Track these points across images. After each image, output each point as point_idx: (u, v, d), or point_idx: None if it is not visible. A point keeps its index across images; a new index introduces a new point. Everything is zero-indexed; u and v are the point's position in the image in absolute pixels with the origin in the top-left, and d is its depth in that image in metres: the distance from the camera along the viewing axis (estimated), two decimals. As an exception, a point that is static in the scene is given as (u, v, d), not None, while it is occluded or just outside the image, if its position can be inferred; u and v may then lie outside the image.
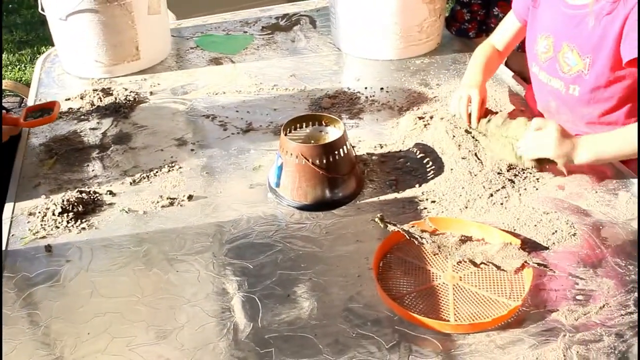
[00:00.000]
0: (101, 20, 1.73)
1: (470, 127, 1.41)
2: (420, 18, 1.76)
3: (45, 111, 1.54)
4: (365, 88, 1.67)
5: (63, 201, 1.28)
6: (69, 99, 1.70)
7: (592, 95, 1.40)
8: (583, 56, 1.38)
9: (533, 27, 1.50)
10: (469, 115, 1.42)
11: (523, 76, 2.01)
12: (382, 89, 1.66)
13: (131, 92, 1.72)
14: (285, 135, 1.28)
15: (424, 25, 1.77)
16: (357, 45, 1.81)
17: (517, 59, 2.23)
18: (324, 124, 1.32)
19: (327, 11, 1.91)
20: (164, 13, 1.88)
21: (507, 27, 1.60)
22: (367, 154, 1.40)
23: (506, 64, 2.27)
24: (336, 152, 1.23)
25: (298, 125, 1.32)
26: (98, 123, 1.59)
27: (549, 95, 1.48)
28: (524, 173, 1.33)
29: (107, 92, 1.73)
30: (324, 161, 1.22)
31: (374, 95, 1.63)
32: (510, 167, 1.33)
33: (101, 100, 1.69)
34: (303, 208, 1.26)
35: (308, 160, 1.22)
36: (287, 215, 1.25)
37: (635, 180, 1.32)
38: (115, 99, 1.69)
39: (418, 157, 1.38)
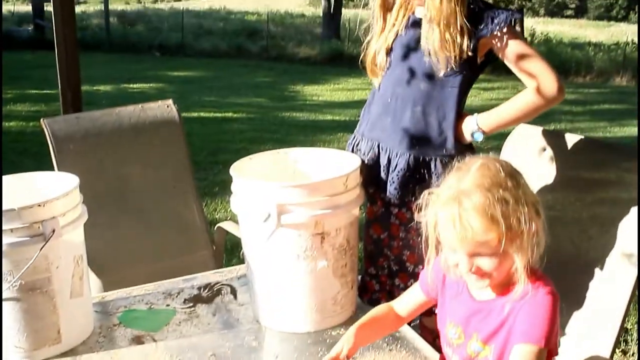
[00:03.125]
0: (22, 307, 1.76)
1: None
2: (334, 291, 1.86)
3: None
4: (284, 366, 1.71)
5: None
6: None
7: None
8: (489, 344, 1.48)
9: (443, 310, 1.60)
10: None
11: (436, 334, 2.10)
12: (300, 366, 1.71)
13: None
14: None
15: (338, 298, 1.87)
16: (274, 319, 1.89)
17: (431, 317, 2.33)
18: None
19: (247, 281, 1.99)
20: (87, 294, 1.93)
21: (412, 296, 1.69)
22: None
23: (420, 321, 2.38)
24: None
25: None
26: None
27: None
28: None
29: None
30: None
31: (292, 374, 1.68)
32: None
33: (19, 390, 1.67)
34: None
35: None
36: None
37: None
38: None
39: None
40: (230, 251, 3.63)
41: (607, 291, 1.98)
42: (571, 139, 2.05)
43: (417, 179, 1.96)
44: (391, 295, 2.13)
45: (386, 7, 2.03)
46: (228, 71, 15.22)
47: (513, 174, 1.41)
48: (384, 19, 2.03)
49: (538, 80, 1.87)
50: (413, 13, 2.00)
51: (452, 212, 1.36)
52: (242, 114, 9.79)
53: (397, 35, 2.00)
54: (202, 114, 9.16)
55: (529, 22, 27.53)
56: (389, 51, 2.00)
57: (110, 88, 11.28)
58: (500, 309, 1.46)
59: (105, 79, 11.74)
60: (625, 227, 2.01)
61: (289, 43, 19.47)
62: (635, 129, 9.56)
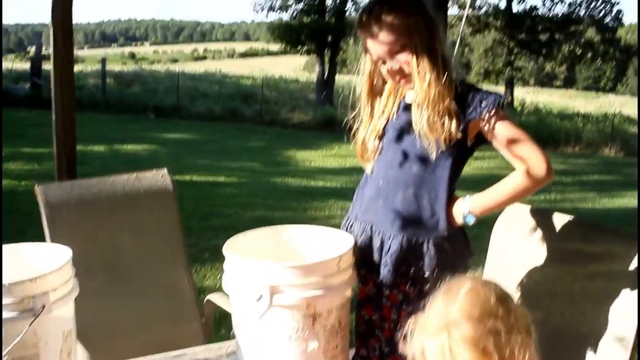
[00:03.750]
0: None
1: None
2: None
3: None
4: None
5: None
6: None
7: None
8: None
9: None
10: None
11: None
12: None
13: None
14: None
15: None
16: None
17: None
18: None
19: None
20: (75, 368, 1.91)
21: None
22: None
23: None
24: None
25: None
26: None
27: None
28: None
29: None
30: None
31: None
32: None
33: None
34: None
35: None
36: None
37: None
38: None
39: None
40: (218, 322, 3.59)
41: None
42: (561, 219, 2.09)
43: (409, 261, 1.96)
44: None
45: (374, 94, 2.06)
46: (222, 134, 15.35)
47: (504, 299, 1.36)
48: (372, 106, 2.06)
49: (527, 163, 1.90)
50: (404, 98, 2.04)
51: (442, 343, 1.32)
52: (235, 179, 9.83)
53: (388, 120, 2.04)
54: (194, 178, 9.19)
55: (519, 92, 28.08)
56: (380, 136, 2.03)
57: (103, 149, 11.33)
58: None
59: (100, 139, 11.80)
60: (618, 306, 2.01)
61: (283, 108, 19.72)
62: (624, 200, 9.66)
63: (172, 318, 2.87)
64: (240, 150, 12.97)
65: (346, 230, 2.10)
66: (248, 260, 1.84)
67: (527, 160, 1.90)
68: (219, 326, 3.64)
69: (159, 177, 3.07)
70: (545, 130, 15.37)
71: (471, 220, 1.95)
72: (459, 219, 1.97)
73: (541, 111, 21.66)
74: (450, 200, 1.98)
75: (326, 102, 19.85)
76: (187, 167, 9.95)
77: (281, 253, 2.00)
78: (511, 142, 1.92)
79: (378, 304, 2.01)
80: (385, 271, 1.98)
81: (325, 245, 1.98)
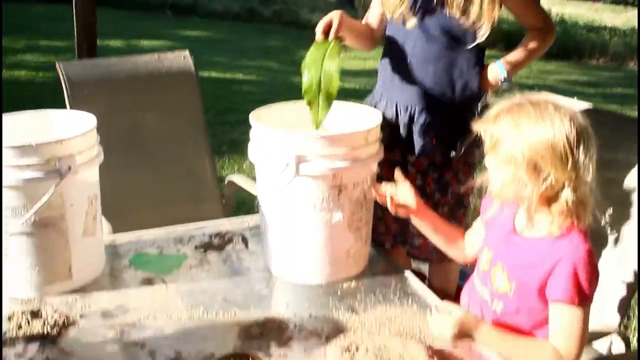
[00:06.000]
0: (35, 243, 1.76)
1: None
2: (348, 245, 1.85)
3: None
4: (294, 315, 1.71)
5: None
6: (-4, 321, 1.69)
7: (510, 317, 1.50)
8: (511, 280, 1.50)
9: (486, 237, 1.66)
10: None
11: (446, 292, 2.11)
12: (310, 315, 1.71)
13: (61, 314, 1.71)
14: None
15: (351, 251, 1.87)
16: (286, 269, 1.89)
17: (440, 274, 2.35)
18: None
19: (260, 231, 1.99)
20: (99, 234, 1.93)
21: (475, 232, 1.76)
22: (295, 389, 1.42)
23: (429, 280, 2.39)
24: (263, 395, 1.25)
25: (225, 363, 1.34)
26: (24, 350, 1.57)
27: (477, 303, 1.63)
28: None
29: (35, 314, 1.72)
30: (251, 405, 1.24)
31: (302, 322, 1.68)
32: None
33: (29, 323, 1.67)
34: None
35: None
36: None
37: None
38: (44, 322, 1.68)
39: (344, 393, 1.40)
40: (236, 208, 3.62)
41: (618, 262, 1.97)
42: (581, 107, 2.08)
43: (438, 130, 1.99)
44: (395, 239, 2.21)
45: None
46: (240, 33, 15.07)
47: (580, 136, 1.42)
48: None
49: (541, 25, 2.09)
50: None
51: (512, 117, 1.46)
52: (252, 76, 9.72)
53: None
54: (212, 74, 9.09)
55: (546, 3, 27.23)
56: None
57: (120, 44, 11.17)
58: (534, 248, 1.48)
59: (117, 34, 11.61)
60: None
61: (303, 9, 19.27)
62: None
63: (193, 197, 2.90)
64: (258, 50, 12.77)
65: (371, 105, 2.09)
66: (276, 129, 1.81)
67: (540, 23, 2.09)
68: (237, 212, 3.68)
69: (181, 59, 3.03)
70: (570, 41, 14.99)
71: (505, 85, 1.98)
72: (494, 81, 2.05)
73: (567, 22, 21.01)
74: (482, 68, 2.05)
75: (346, 4, 19.39)
76: (204, 63, 9.82)
77: (306, 126, 1.97)
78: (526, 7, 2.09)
79: (402, 170, 2.01)
80: (414, 139, 1.99)
81: (350, 120, 1.95)
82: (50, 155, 1.72)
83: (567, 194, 1.43)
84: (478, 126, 1.52)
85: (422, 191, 2.09)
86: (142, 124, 2.90)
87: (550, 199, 1.46)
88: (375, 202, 1.89)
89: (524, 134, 1.41)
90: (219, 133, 5.91)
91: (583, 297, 1.43)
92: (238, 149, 5.23)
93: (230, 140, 5.59)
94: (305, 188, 1.76)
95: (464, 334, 1.52)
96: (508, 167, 1.45)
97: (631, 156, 1.96)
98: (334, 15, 2.00)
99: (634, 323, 3.11)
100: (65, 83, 2.76)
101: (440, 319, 1.56)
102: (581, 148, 1.41)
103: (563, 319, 1.46)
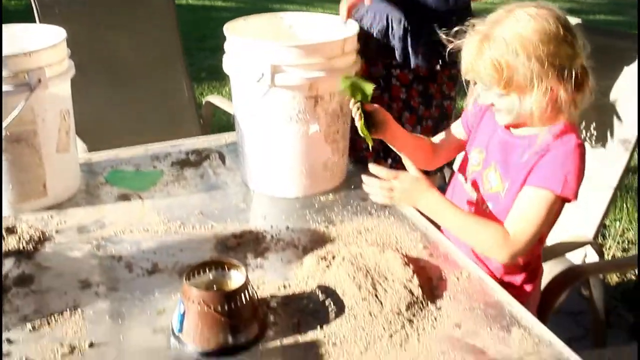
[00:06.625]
0: (8, 159, 1.73)
1: None
2: (324, 157, 1.84)
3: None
4: (271, 227, 1.71)
5: (-45, 354, 1.24)
6: (-32, 239, 1.67)
7: (501, 217, 1.51)
8: (504, 180, 1.50)
9: (473, 139, 1.66)
10: None
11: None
12: (287, 227, 1.71)
13: (36, 230, 1.70)
14: (188, 280, 1.30)
15: (328, 164, 1.86)
16: (263, 183, 1.88)
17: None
18: (226, 268, 1.35)
19: (237, 147, 1.97)
20: (74, 150, 1.90)
21: (451, 132, 1.77)
22: (271, 295, 1.43)
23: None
24: (238, 298, 1.26)
25: (201, 270, 1.34)
26: (-1, 264, 1.57)
27: (465, 205, 1.60)
28: (422, 312, 1.38)
29: (10, 230, 1.70)
30: (226, 308, 1.24)
31: (279, 234, 1.68)
32: (408, 307, 1.38)
33: (4, 239, 1.66)
34: (206, 354, 1.26)
35: (210, 307, 1.24)
36: (189, 363, 1.25)
37: (525, 313, 1.38)
38: (19, 237, 1.67)
39: (320, 298, 1.41)
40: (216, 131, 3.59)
41: (597, 172, 1.98)
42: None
43: (425, 41, 1.96)
44: (377, 154, 2.19)
45: None
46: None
47: (558, 32, 1.39)
48: None
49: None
50: None
51: (472, 44, 1.44)
52: (232, 3, 9.51)
53: None
54: (190, 1, 8.90)
55: None
56: None
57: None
58: (527, 146, 1.47)
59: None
60: (624, 113, 2.00)
61: None
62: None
63: (170, 118, 2.87)
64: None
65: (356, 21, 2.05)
66: (249, 40, 1.77)
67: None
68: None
69: (157, -19, 2.94)
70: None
71: None
72: None
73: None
74: None
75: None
76: (182, -10, 9.60)
77: (282, 38, 1.93)
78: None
79: (386, 84, 1.99)
80: (398, 50, 1.96)
81: (327, 32, 1.91)
82: (20, 68, 1.67)
83: (561, 92, 1.41)
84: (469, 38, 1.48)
85: (406, 105, 2.09)
86: (117, 47, 2.85)
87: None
88: None
89: (518, 32, 1.39)
90: (198, 60, 5.82)
91: (564, 187, 1.41)
92: (217, 75, 5.16)
93: (209, 66, 5.50)
94: (281, 99, 1.73)
95: (407, 198, 1.52)
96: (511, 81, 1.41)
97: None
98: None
99: (609, 242, 3.16)
100: (35, 4, 2.68)
101: (378, 185, 1.56)
102: (574, 40, 1.41)
103: (530, 202, 1.43)
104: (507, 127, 1.55)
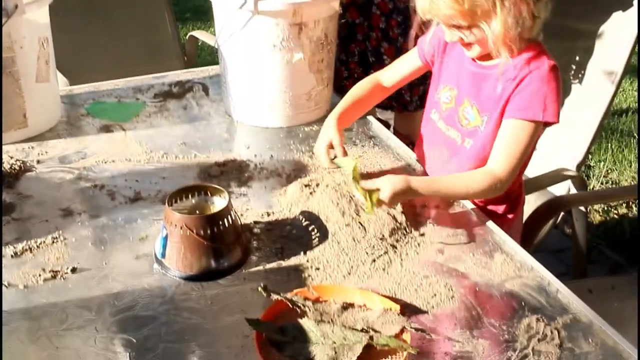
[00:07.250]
0: (-14, 88, 1.70)
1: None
2: (309, 87, 1.82)
3: None
4: (255, 156, 1.70)
5: (-64, 278, 1.23)
6: (-51, 169, 1.65)
7: (481, 151, 1.49)
8: (482, 114, 1.48)
9: (438, 75, 1.61)
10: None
11: (411, 140, 2.11)
12: (271, 156, 1.70)
13: (17, 160, 1.68)
14: (170, 206, 1.29)
15: (312, 94, 1.83)
16: (247, 113, 1.85)
17: (405, 121, 2.34)
18: (209, 194, 1.34)
19: (220, 79, 1.94)
20: (54, 80, 1.87)
21: (404, 63, 1.69)
22: (254, 222, 1.42)
23: (394, 128, 2.39)
24: (220, 223, 1.25)
25: (184, 196, 1.33)
26: (-20, 193, 1.55)
27: (443, 144, 1.59)
28: (405, 238, 1.39)
29: (-10, 160, 1.68)
30: (209, 232, 1.24)
31: (263, 163, 1.67)
32: (392, 233, 1.38)
33: (-17, 169, 1.64)
34: (188, 279, 1.26)
35: (192, 231, 1.23)
36: (172, 287, 1.25)
37: (507, 239, 1.39)
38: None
39: (304, 224, 1.41)
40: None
41: (582, 104, 1.98)
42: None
43: None
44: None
45: None
46: None
47: None
48: None
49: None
50: None
51: None
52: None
53: None
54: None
55: None
56: None
57: None
58: (498, 75, 1.44)
59: None
60: (609, 43, 1.98)
61: None
62: None
63: (153, 53, 2.83)
64: None
65: None
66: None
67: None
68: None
69: None
70: None
71: None
72: None
73: None
74: None
75: None
76: None
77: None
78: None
79: (367, 11, 1.95)
80: None
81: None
82: (-5, -6, 1.63)
83: (490, 34, 1.37)
84: None
85: (384, 35, 2.05)
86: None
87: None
88: (338, 46, 1.84)
89: None
90: (183, 0, 5.71)
91: (545, 112, 1.39)
92: (202, 16, 5.07)
93: (194, 6, 5.40)
94: (264, 27, 1.70)
95: (400, 194, 1.47)
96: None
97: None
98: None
99: (593, 182, 3.17)
100: None
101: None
102: None
103: (513, 135, 1.41)
104: (474, 59, 1.51)
